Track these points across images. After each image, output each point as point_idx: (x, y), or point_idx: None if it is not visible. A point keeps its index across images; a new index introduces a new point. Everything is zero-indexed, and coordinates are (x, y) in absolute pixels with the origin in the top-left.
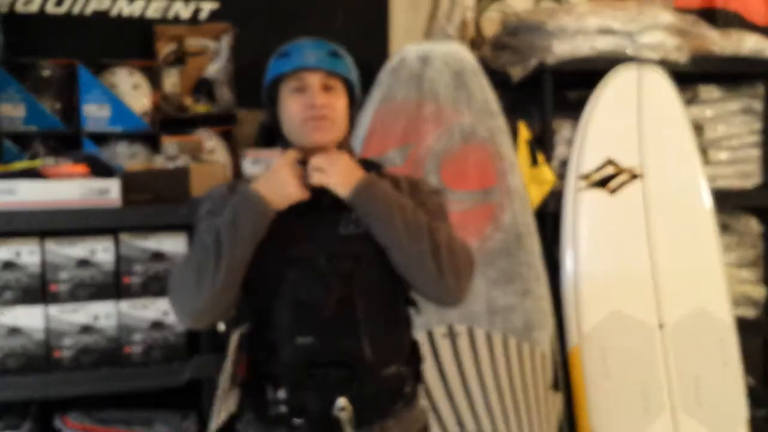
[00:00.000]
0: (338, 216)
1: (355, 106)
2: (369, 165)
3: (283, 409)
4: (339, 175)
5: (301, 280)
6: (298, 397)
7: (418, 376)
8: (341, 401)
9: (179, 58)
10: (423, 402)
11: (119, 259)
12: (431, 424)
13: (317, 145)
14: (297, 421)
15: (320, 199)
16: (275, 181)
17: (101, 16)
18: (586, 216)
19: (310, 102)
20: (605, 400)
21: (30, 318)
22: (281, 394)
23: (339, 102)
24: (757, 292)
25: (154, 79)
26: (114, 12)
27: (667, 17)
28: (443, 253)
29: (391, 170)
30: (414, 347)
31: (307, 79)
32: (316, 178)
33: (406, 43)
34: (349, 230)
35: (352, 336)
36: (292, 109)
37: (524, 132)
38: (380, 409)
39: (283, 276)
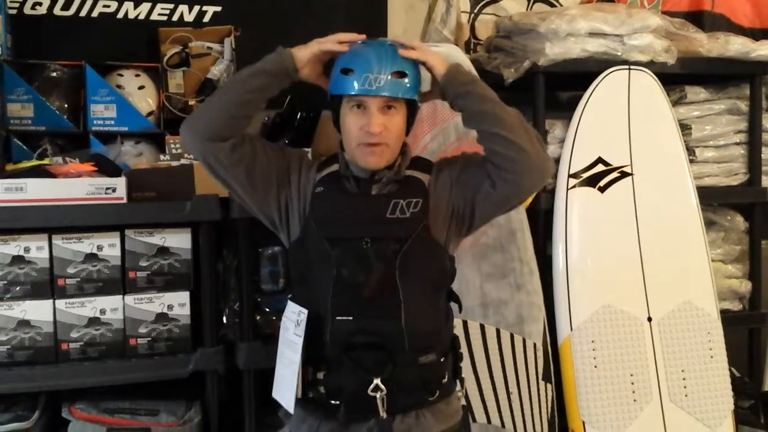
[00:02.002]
0: (386, 201)
1: (415, 110)
2: (421, 162)
3: (321, 390)
4: (436, 56)
5: (345, 260)
6: (336, 378)
7: (456, 372)
8: (376, 382)
9: (183, 60)
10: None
11: (125, 254)
12: None
13: (370, 168)
14: (333, 402)
15: (371, 186)
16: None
17: (108, 19)
18: (577, 213)
19: (367, 127)
20: (595, 390)
21: (39, 312)
22: (320, 375)
23: (396, 121)
24: (743, 286)
25: (159, 80)
26: (120, 14)
27: (656, 20)
28: (525, 124)
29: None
30: (454, 342)
31: (367, 101)
32: (417, 54)
33: None
34: (395, 215)
35: (392, 319)
36: (349, 126)
37: None
38: (416, 397)
39: (328, 255)
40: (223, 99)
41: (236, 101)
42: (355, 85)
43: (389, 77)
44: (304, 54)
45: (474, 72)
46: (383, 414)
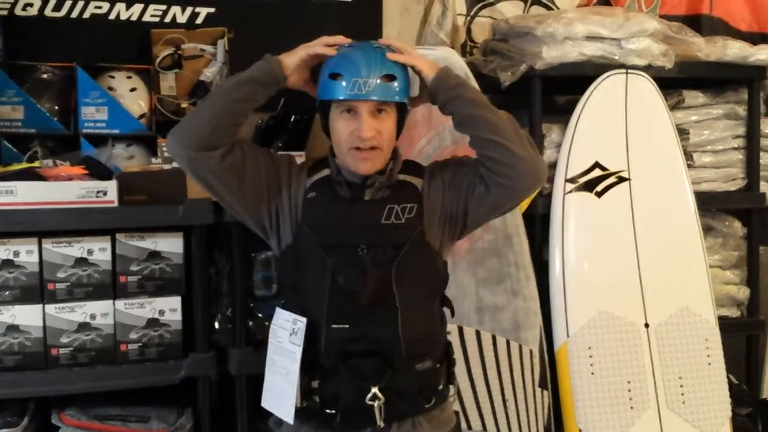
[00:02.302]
0: (381, 207)
1: (405, 113)
2: (413, 166)
3: (316, 399)
4: (424, 60)
5: (340, 268)
6: (332, 387)
7: (450, 377)
8: (374, 391)
9: (176, 62)
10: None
11: (116, 258)
12: None
13: (363, 174)
14: (329, 411)
15: (363, 191)
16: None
17: (100, 20)
18: (574, 218)
19: (358, 132)
20: (591, 397)
21: (28, 316)
22: (315, 383)
23: (388, 124)
24: (740, 292)
25: (151, 82)
26: (112, 16)
27: (653, 24)
28: (516, 125)
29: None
30: (447, 348)
31: (357, 106)
32: (406, 58)
33: None
34: (391, 220)
35: (389, 326)
36: (340, 131)
37: None
38: (413, 404)
39: (323, 263)
40: (211, 108)
41: (223, 111)
42: (345, 90)
43: (378, 81)
44: (292, 60)
45: (470, 74)
46: (380, 422)
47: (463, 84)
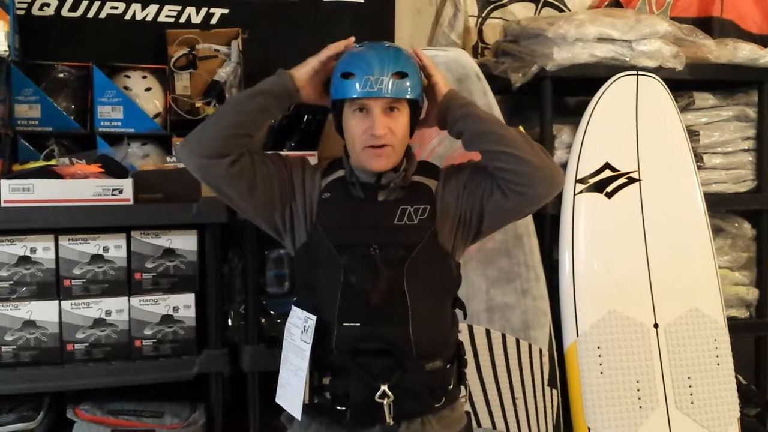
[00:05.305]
0: (394, 208)
1: (418, 111)
2: (428, 167)
3: (327, 395)
4: (442, 76)
5: (353, 267)
6: (342, 385)
7: (461, 378)
8: (383, 389)
9: (191, 62)
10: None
11: (131, 255)
12: None
13: (377, 171)
14: (339, 408)
15: (377, 191)
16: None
17: (115, 20)
18: (584, 218)
19: (371, 130)
20: (600, 396)
21: (44, 312)
22: (326, 380)
23: (400, 122)
24: (750, 293)
25: (166, 81)
26: (128, 16)
27: (664, 26)
28: (528, 137)
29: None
30: (459, 348)
31: (369, 104)
32: (428, 62)
33: None
34: (403, 221)
35: (400, 325)
36: (353, 130)
37: None
38: (422, 404)
39: (336, 262)
40: (222, 119)
41: (235, 120)
42: (357, 88)
43: (391, 78)
44: (304, 72)
45: (481, 75)
46: (390, 420)
47: (471, 103)
